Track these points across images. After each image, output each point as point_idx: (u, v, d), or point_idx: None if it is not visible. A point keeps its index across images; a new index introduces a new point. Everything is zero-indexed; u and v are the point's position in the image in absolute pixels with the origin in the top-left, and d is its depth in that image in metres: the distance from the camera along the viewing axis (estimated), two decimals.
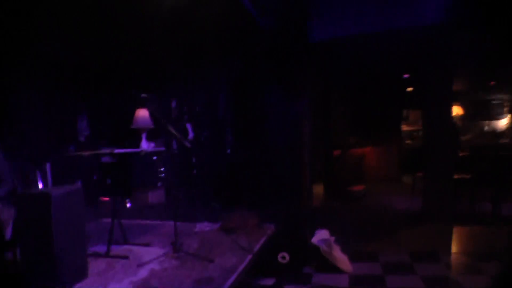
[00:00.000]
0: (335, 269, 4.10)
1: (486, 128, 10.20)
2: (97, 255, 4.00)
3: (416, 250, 4.71)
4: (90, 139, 5.67)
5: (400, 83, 9.44)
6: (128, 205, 6.15)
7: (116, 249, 4.21)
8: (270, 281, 3.86)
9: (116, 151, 3.85)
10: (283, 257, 3.97)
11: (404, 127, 10.78)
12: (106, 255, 3.95)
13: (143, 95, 3.80)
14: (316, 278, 3.98)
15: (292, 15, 5.65)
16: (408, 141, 11.13)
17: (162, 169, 6.49)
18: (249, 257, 3.96)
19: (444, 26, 5.28)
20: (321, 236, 4.51)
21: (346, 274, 4.06)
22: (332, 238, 4.29)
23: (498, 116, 10.15)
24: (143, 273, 3.53)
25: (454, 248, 4.82)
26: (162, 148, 4.87)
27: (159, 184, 6.51)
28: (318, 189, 8.11)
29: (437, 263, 4.34)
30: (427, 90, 5.86)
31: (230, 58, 5.94)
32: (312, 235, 4.55)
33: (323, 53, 6.11)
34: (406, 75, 7.96)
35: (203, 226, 5.22)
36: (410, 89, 9.53)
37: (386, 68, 7.40)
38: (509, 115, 10.12)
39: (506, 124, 10.13)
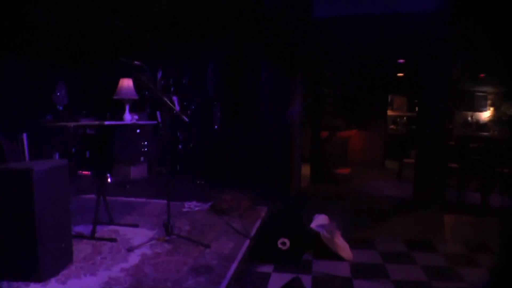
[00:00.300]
0: (335, 256, 3.92)
1: (469, 119, 10.28)
2: (81, 236, 3.64)
3: (411, 238, 4.61)
4: (69, 108, 5.19)
5: (388, 68, 9.30)
6: (108, 180, 5.74)
7: (101, 230, 3.86)
8: (268, 268, 3.61)
9: (107, 123, 3.45)
10: (283, 243, 3.72)
11: (389, 113, 10.73)
12: (92, 237, 3.59)
13: (136, 62, 3.37)
14: (316, 265, 3.78)
15: None
16: (392, 126, 11.12)
17: (145, 143, 6.08)
18: (247, 242, 3.72)
19: (445, 13, 5.12)
20: (320, 221, 4.31)
21: (347, 262, 3.88)
22: (333, 224, 4.09)
23: (481, 108, 10.23)
24: (134, 258, 3.21)
25: (448, 238, 4.75)
26: (153, 122, 4.46)
27: (141, 158, 6.11)
28: (304, 170, 7.94)
29: (434, 253, 4.24)
30: (425, 77, 5.70)
31: (224, 29, 5.53)
32: (310, 220, 4.35)
33: (320, 32, 5.81)
34: (401, 60, 7.79)
35: (192, 206, 4.92)
36: (400, 74, 9.40)
37: (380, 52, 7.19)
38: (492, 108, 10.22)
39: (488, 117, 10.23)
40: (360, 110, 9.90)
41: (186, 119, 3.23)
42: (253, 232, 4.06)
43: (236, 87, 6.09)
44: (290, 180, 6.60)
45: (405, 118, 11.19)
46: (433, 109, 5.70)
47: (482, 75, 8.20)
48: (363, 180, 8.11)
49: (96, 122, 3.58)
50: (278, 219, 3.97)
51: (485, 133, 9.09)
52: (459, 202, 6.20)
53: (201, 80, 6.14)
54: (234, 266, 3.13)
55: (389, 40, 6.20)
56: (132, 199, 5.30)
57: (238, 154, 6.18)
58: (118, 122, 3.88)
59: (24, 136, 3.61)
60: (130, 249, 3.38)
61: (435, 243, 4.46)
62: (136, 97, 4.98)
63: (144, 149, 6.10)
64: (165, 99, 3.41)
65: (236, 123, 6.07)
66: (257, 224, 4.34)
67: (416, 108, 11.15)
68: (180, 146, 6.22)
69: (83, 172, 5.54)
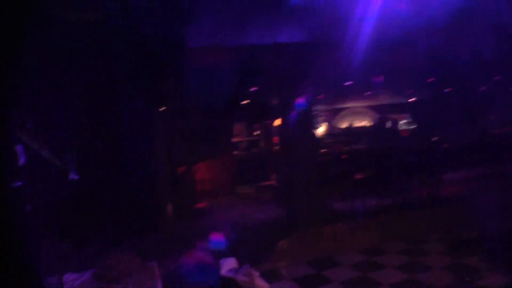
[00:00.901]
0: None
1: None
2: None
3: (311, 257, 4.61)
4: None
5: (235, 96, 9.45)
6: None
7: None
8: None
9: None
10: None
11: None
12: None
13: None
14: None
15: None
16: (235, 152, 11.24)
17: None
18: None
19: (311, 43, 5.55)
20: (229, 265, 3.93)
21: None
22: (248, 266, 3.77)
23: (316, 125, 11.36)
24: None
25: (344, 248, 4.89)
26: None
27: None
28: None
29: (341, 266, 4.33)
30: (288, 101, 6.05)
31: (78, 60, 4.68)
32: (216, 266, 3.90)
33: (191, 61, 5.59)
34: (253, 88, 8.05)
35: (70, 279, 3.84)
36: (245, 102, 9.69)
37: (239, 82, 7.30)
38: (324, 124, 11.54)
39: (322, 132, 11.44)
40: (207, 140, 9.72)
41: (77, 176, 2.48)
42: None
43: (94, 126, 5.21)
44: (160, 222, 6.04)
45: (246, 142, 11.44)
46: (298, 131, 6.00)
47: (321, 96, 9.16)
48: (225, 210, 7.78)
49: None
50: (188, 276, 3.43)
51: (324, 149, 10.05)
52: (332, 212, 6.47)
53: (50, 122, 5.02)
54: None
55: (242, 70, 6.35)
56: None
57: (102, 204, 5.29)
58: None
59: None
60: None
61: (334, 257, 4.56)
62: None
63: None
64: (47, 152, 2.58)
65: (96, 168, 5.16)
66: (159, 285, 3.65)
67: (257, 132, 11.61)
68: (28, 207, 4.89)
69: None
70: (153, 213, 5.88)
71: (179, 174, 7.72)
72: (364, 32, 5.47)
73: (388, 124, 7.80)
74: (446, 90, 7.10)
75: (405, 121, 10.45)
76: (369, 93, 9.66)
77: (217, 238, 4.04)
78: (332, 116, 11.52)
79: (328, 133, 11.24)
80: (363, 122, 11.49)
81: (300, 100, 6.01)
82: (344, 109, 11.67)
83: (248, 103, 10.13)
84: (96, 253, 4.43)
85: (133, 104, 5.51)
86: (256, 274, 3.72)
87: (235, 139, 11.32)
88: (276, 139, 10.77)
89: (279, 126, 10.84)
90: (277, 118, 10.65)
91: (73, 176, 2.56)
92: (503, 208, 4.48)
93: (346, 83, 7.78)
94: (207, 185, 9.20)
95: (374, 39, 5.49)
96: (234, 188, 9.61)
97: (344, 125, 11.72)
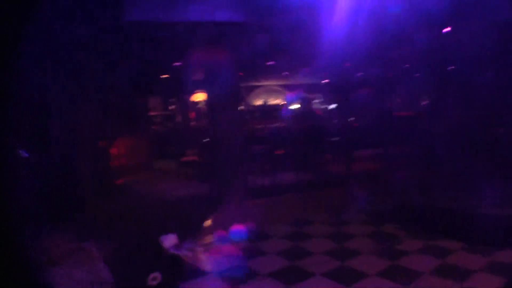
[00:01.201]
0: (200, 272, 3.74)
1: None
2: None
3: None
4: None
5: (152, 71, 9.15)
6: None
7: None
8: None
9: None
10: (155, 278, 3.27)
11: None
12: None
13: None
14: None
15: None
16: (153, 127, 11.01)
17: None
18: None
19: (236, 23, 5.61)
20: (171, 241, 4.00)
21: (213, 272, 3.76)
22: (190, 241, 3.90)
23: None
24: None
25: (272, 221, 5.20)
26: None
27: None
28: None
29: (274, 238, 4.65)
30: (213, 77, 6.10)
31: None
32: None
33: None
34: (177, 63, 7.86)
35: None
36: (165, 76, 9.45)
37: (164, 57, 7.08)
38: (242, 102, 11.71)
39: (239, 108, 11.62)
40: (124, 115, 9.34)
41: (26, 155, 2.35)
42: (107, 276, 3.35)
43: (14, 106, 4.73)
44: (83, 201, 5.77)
45: (162, 117, 11.21)
46: (225, 109, 6.10)
47: (241, 73, 9.28)
48: (146, 186, 7.53)
49: None
50: (138, 254, 3.45)
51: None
52: (255, 187, 6.74)
53: None
54: None
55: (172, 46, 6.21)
56: None
57: (22, 186, 4.89)
58: None
59: None
60: None
61: (265, 229, 4.86)
62: None
63: None
64: None
65: (18, 149, 4.75)
66: (101, 265, 3.59)
67: (172, 106, 11.34)
68: None
69: None
70: (76, 193, 5.61)
71: (97, 150, 7.35)
72: (287, 17, 5.70)
73: (304, 103, 8.28)
74: (358, 74, 7.76)
75: (317, 100, 11.18)
76: (285, 73, 10.05)
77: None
78: (246, 93, 11.73)
79: (245, 110, 11.47)
80: (276, 101, 11.95)
81: (226, 76, 6.10)
82: (258, 87, 11.96)
83: (167, 77, 9.88)
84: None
85: (51, 81, 5.13)
86: (199, 249, 3.86)
87: (151, 113, 10.99)
88: (193, 114, 10.75)
89: (196, 101, 10.84)
90: (194, 93, 10.62)
91: (23, 154, 2.41)
92: (411, 182, 5.24)
93: (266, 63, 8.04)
94: (125, 161, 8.89)
95: (295, 24, 5.76)
96: (153, 163, 9.42)
97: (258, 102, 12.08)
